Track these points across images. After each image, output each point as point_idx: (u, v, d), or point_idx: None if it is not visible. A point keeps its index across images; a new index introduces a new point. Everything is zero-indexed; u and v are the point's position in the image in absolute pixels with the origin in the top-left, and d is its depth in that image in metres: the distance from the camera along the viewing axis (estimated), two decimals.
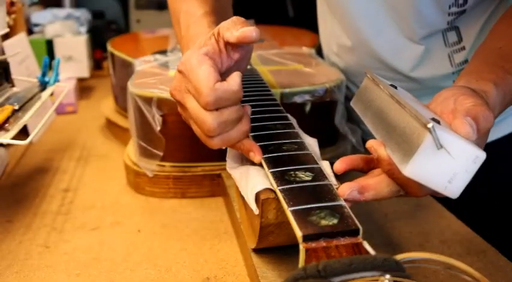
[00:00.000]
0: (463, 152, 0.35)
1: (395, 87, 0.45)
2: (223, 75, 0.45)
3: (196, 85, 0.42)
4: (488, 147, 0.41)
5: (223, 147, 0.47)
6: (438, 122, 0.37)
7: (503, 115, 0.70)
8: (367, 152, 0.44)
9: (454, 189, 0.36)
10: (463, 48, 0.68)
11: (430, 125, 0.34)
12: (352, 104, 0.50)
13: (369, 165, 0.45)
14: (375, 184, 0.41)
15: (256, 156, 0.45)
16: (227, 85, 0.42)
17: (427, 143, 0.35)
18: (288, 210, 0.36)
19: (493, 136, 0.73)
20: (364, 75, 0.49)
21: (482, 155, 0.36)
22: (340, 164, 0.43)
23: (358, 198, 0.39)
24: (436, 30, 0.67)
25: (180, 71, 0.45)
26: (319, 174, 0.41)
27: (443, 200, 0.65)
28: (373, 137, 0.43)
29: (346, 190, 0.39)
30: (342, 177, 0.44)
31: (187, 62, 0.44)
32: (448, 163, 0.35)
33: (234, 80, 0.43)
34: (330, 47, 0.83)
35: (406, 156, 0.36)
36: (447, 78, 0.71)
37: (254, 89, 0.62)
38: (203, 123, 0.43)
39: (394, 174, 0.40)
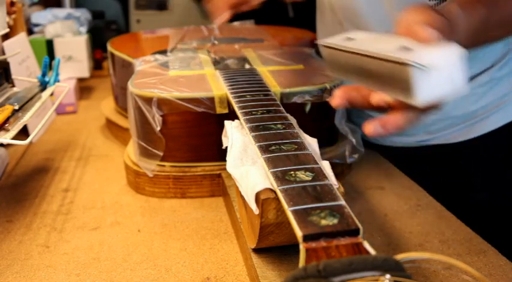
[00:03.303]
0: (444, 57, 0.39)
1: (352, 38, 0.46)
2: None
3: None
4: (483, 140, 0.42)
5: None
6: (408, 48, 0.39)
7: (495, 109, 0.70)
8: (366, 151, 0.44)
9: (459, 85, 0.40)
10: None
11: (407, 61, 0.37)
12: (331, 73, 0.51)
13: (365, 98, 0.46)
14: (394, 117, 0.43)
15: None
16: None
17: (416, 74, 0.38)
18: (288, 210, 0.36)
19: (490, 127, 0.72)
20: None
21: (460, 50, 0.39)
22: (338, 96, 0.46)
23: (382, 131, 0.42)
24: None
25: None
26: (319, 174, 0.41)
27: (443, 200, 0.65)
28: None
29: (370, 128, 0.42)
30: (341, 179, 0.44)
31: None
32: (442, 73, 0.39)
33: None
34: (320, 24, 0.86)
35: (408, 93, 0.39)
36: None
37: (254, 89, 0.62)
38: None
39: (410, 107, 0.42)
